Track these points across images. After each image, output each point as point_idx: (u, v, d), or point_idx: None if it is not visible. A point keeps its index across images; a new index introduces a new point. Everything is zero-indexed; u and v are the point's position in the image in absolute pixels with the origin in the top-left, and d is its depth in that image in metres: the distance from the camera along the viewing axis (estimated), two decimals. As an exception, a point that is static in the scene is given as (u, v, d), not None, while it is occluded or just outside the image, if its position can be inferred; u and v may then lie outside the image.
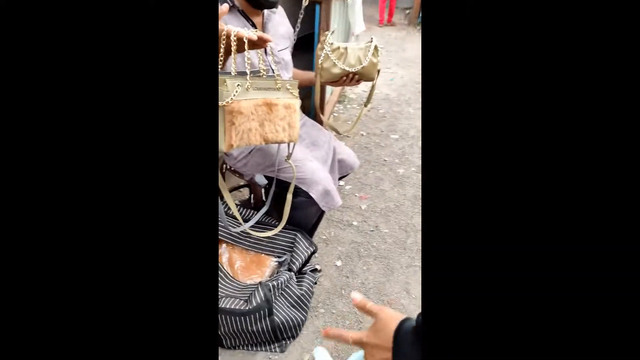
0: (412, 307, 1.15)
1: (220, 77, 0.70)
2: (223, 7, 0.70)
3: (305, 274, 1.08)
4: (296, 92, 0.81)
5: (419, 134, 2.24)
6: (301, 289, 1.01)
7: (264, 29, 0.98)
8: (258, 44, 0.72)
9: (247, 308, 0.90)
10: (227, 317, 0.89)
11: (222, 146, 0.71)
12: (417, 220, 1.54)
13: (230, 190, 1.43)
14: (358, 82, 0.99)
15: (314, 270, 1.17)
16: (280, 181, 1.02)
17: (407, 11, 5.96)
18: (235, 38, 0.69)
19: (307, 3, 1.35)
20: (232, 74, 0.72)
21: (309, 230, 1.12)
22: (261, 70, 0.76)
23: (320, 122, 1.22)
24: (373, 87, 1.04)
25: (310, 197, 0.98)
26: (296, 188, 0.97)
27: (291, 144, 0.89)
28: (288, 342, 0.98)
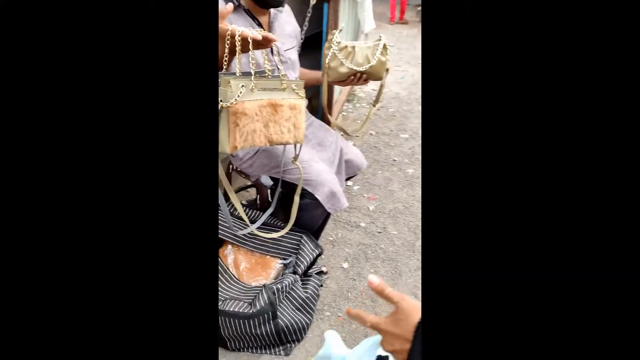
0: (420, 311, 1.13)
1: (225, 77, 0.69)
2: (227, 7, 0.69)
3: (310, 276, 1.07)
4: (302, 92, 0.79)
5: (430, 134, 2.19)
6: (306, 292, 1.00)
7: (270, 28, 0.97)
8: (263, 43, 0.71)
9: (251, 311, 0.89)
10: (231, 319, 0.89)
11: (226, 148, 0.70)
12: (427, 222, 1.50)
13: (237, 191, 1.43)
14: (366, 81, 0.97)
15: (320, 273, 1.16)
16: (286, 182, 1.01)
17: (419, 8, 5.87)
18: (239, 38, 0.68)
19: (315, 1, 1.34)
20: (237, 74, 0.71)
21: (315, 232, 1.11)
22: (266, 71, 0.75)
23: (328, 123, 1.20)
24: (382, 86, 1.01)
25: (316, 199, 0.97)
26: (302, 189, 0.95)
27: (297, 145, 0.88)
28: (293, 345, 0.97)
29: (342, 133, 1.17)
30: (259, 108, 0.72)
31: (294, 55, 1.04)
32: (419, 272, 1.27)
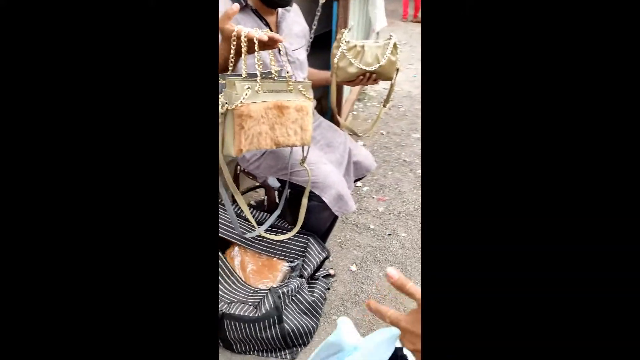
0: (429, 317, 1.10)
1: (230, 79, 0.68)
2: (233, 7, 0.68)
3: (317, 279, 1.06)
4: (309, 93, 0.78)
5: (442, 134, 2.15)
6: (313, 296, 0.98)
7: (278, 28, 0.96)
8: (269, 44, 0.69)
9: (256, 315, 0.88)
10: (237, 323, 0.88)
11: (232, 151, 0.70)
12: (438, 224, 1.47)
13: (245, 191, 1.43)
14: (376, 81, 0.95)
15: (327, 276, 1.15)
16: (294, 184, 0.99)
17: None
18: (245, 39, 0.67)
19: (324, 0, 1.32)
20: (243, 75, 0.70)
21: (322, 235, 1.09)
22: (273, 72, 0.74)
23: (337, 124, 1.18)
24: (392, 86, 0.99)
25: (323, 201, 0.95)
26: (309, 191, 0.94)
27: (305, 147, 0.86)
28: (299, 349, 0.96)
29: (351, 134, 1.15)
30: (264, 110, 0.71)
31: (302, 55, 1.03)
32: (429, 276, 1.24)
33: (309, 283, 1.03)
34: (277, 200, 1.13)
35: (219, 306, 0.93)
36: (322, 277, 1.09)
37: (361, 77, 0.93)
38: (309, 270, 1.01)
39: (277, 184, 1.05)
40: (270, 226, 1.00)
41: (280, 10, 0.94)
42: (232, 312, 0.89)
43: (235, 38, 0.68)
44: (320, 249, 1.04)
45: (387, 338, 0.42)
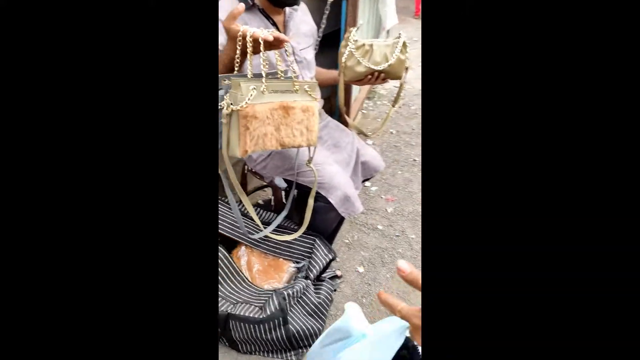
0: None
1: (235, 80, 0.68)
2: (239, 7, 0.67)
3: (323, 281, 1.05)
4: (315, 93, 0.77)
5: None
6: (319, 298, 0.98)
7: (285, 28, 0.95)
8: (275, 44, 0.69)
9: (261, 316, 0.88)
10: (242, 323, 0.89)
11: (237, 152, 0.69)
12: (448, 226, 1.44)
13: (253, 190, 1.43)
14: (384, 80, 0.94)
15: (334, 277, 1.14)
16: (300, 184, 0.99)
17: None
18: (250, 39, 0.66)
19: (333, -2, 1.30)
20: (249, 76, 0.70)
21: (329, 236, 1.08)
22: (279, 72, 0.73)
23: (345, 124, 1.17)
24: (401, 85, 0.97)
25: (330, 202, 0.95)
26: (316, 192, 0.93)
27: (311, 148, 0.85)
28: (304, 350, 0.95)
29: (359, 134, 1.14)
30: (270, 111, 0.70)
31: (309, 54, 1.02)
32: (438, 279, 1.22)
33: (315, 284, 1.02)
34: (284, 200, 1.13)
35: (225, 306, 0.93)
36: (329, 278, 1.08)
37: (369, 76, 0.92)
38: (314, 271, 1.00)
39: (283, 184, 1.05)
40: (277, 226, 1.00)
41: (287, 9, 0.94)
42: (237, 313, 0.89)
43: (240, 38, 0.67)
44: (326, 250, 1.03)
45: (397, 328, 0.41)
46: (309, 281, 0.98)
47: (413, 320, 0.37)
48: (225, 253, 1.02)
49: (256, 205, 1.27)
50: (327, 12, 1.34)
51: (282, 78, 0.73)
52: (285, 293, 0.91)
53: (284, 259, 1.05)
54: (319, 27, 1.15)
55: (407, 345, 0.43)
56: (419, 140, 2.07)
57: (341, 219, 1.06)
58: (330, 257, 1.04)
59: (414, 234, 1.41)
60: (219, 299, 0.95)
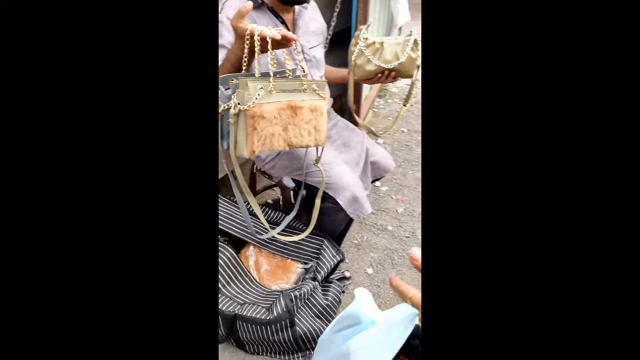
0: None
1: (243, 79, 0.67)
2: (247, 5, 0.66)
3: (331, 282, 1.04)
4: (323, 92, 0.75)
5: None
6: (326, 299, 0.97)
7: (294, 26, 0.94)
8: (283, 43, 0.68)
9: (268, 317, 0.88)
10: (249, 324, 0.88)
11: (244, 152, 0.69)
12: (459, 227, 1.41)
13: (262, 190, 1.43)
14: (395, 78, 0.92)
15: (342, 279, 1.12)
16: (309, 184, 0.98)
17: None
18: (258, 38, 0.66)
19: (344, -5, 1.28)
20: (256, 75, 0.69)
21: (337, 237, 1.07)
22: (287, 71, 0.72)
23: (355, 123, 1.15)
24: (412, 84, 0.95)
25: (338, 203, 0.93)
26: (324, 193, 0.92)
27: (319, 148, 0.84)
28: (312, 352, 0.95)
29: (369, 133, 1.12)
30: (277, 111, 0.69)
31: (319, 53, 1.01)
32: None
33: (322, 286, 1.01)
34: (292, 200, 1.12)
35: (232, 307, 0.93)
36: (337, 279, 1.07)
37: (380, 74, 0.90)
38: (322, 273, 0.99)
39: (291, 184, 1.04)
40: (286, 226, 0.99)
41: (297, 7, 0.92)
42: (244, 314, 0.89)
43: (248, 37, 0.66)
44: (334, 251, 1.02)
45: (407, 315, 0.40)
46: (316, 283, 0.97)
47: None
48: (234, 253, 1.02)
49: (265, 205, 1.27)
50: (337, 9, 1.32)
51: (290, 77, 0.72)
52: (293, 295, 0.91)
53: (292, 259, 1.04)
54: (329, 25, 1.13)
55: (417, 334, 0.42)
56: (431, 140, 2.03)
57: (350, 220, 1.04)
58: (338, 258, 1.02)
59: (425, 235, 1.38)
60: (227, 299, 0.95)
